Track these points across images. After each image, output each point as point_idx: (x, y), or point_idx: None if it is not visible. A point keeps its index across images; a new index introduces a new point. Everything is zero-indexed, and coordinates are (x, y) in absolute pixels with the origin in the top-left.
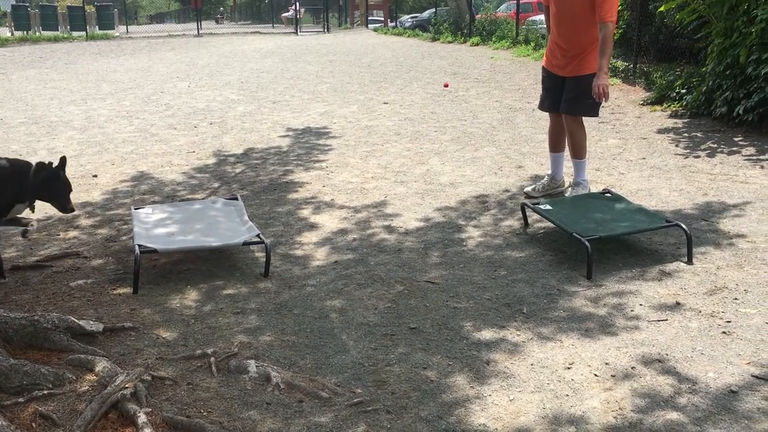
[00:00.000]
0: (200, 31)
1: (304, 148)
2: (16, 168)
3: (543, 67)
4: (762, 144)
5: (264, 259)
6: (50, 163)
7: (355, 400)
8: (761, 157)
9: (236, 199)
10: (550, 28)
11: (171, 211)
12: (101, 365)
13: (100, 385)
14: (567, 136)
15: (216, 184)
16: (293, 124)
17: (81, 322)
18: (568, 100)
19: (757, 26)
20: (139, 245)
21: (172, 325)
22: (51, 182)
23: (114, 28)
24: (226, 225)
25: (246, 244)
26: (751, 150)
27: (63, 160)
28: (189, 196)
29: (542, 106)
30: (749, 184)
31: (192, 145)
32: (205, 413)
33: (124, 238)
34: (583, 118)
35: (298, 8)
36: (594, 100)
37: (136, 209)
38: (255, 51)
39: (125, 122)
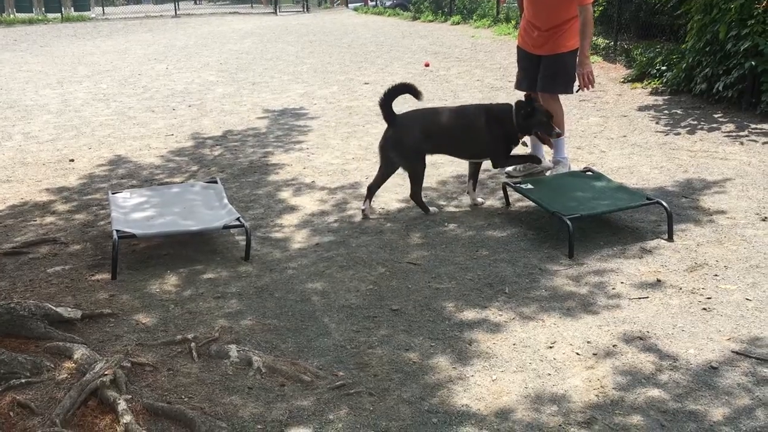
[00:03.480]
0: (178, 12)
1: (284, 130)
2: (500, 113)
3: (518, 47)
4: (741, 120)
5: (244, 243)
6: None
7: (338, 383)
8: (741, 133)
9: (215, 182)
10: (524, 8)
11: (149, 195)
12: (80, 352)
13: (78, 373)
14: None
15: (194, 167)
16: (273, 106)
17: (59, 309)
18: (545, 78)
19: (736, 2)
20: (117, 230)
21: (151, 310)
22: (531, 117)
23: (90, 10)
24: (206, 209)
25: (226, 227)
26: (731, 126)
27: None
28: (167, 180)
29: (519, 86)
30: (729, 161)
31: (170, 127)
32: (186, 399)
33: (101, 223)
34: (561, 96)
35: None
36: (569, 77)
37: (113, 194)
38: (234, 32)
39: (102, 105)
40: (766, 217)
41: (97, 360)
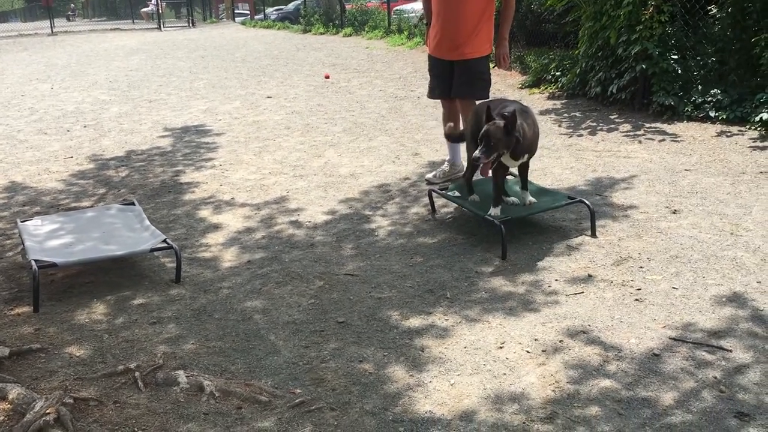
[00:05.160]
0: (54, 30)
1: (191, 147)
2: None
3: (429, 55)
4: (636, 120)
5: (171, 265)
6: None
7: (297, 401)
8: (637, 132)
9: (133, 204)
10: (434, 14)
11: (62, 221)
12: (15, 392)
13: (17, 414)
14: (463, 121)
15: (102, 190)
16: (175, 123)
17: None
18: (461, 84)
19: (624, 9)
20: (36, 260)
21: (84, 342)
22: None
23: None
24: (127, 232)
25: (153, 250)
26: (628, 126)
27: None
28: (74, 205)
29: (432, 94)
30: (632, 159)
31: (68, 150)
32: (139, 431)
33: (10, 254)
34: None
35: (159, 2)
36: (486, 82)
37: (22, 222)
38: (118, 48)
39: None
40: (675, 210)
41: (35, 399)
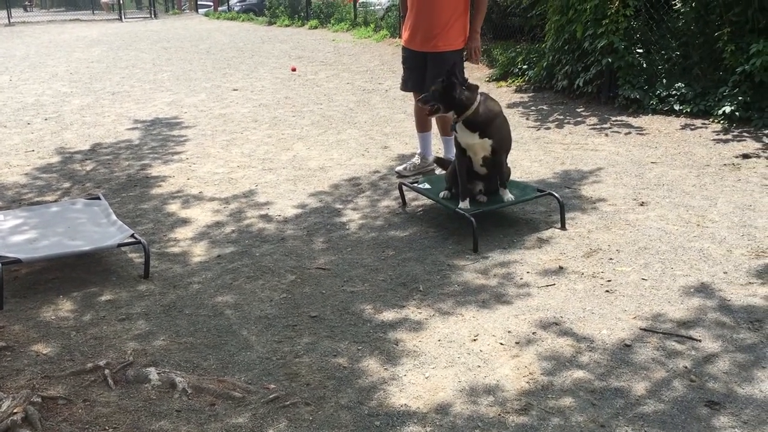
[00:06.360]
0: (11, 20)
1: (158, 140)
2: None
3: (404, 47)
4: (602, 113)
5: (139, 260)
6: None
7: (271, 396)
8: (604, 126)
9: (99, 198)
10: (409, 6)
11: (26, 216)
12: None
13: None
14: None
15: (67, 184)
16: (140, 116)
17: None
18: (434, 77)
19: (590, 3)
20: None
21: (50, 339)
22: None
23: None
24: (93, 227)
25: (121, 245)
26: (594, 120)
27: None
28: (38, 199)
29: (405, 87)
30: (599, 152)
31: (29, 143)
32: (110, 430)
33: None
34: None
35: None
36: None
37: None
38: (78, 39)
39: None
40: (643, 202)
41: (1, 398)
